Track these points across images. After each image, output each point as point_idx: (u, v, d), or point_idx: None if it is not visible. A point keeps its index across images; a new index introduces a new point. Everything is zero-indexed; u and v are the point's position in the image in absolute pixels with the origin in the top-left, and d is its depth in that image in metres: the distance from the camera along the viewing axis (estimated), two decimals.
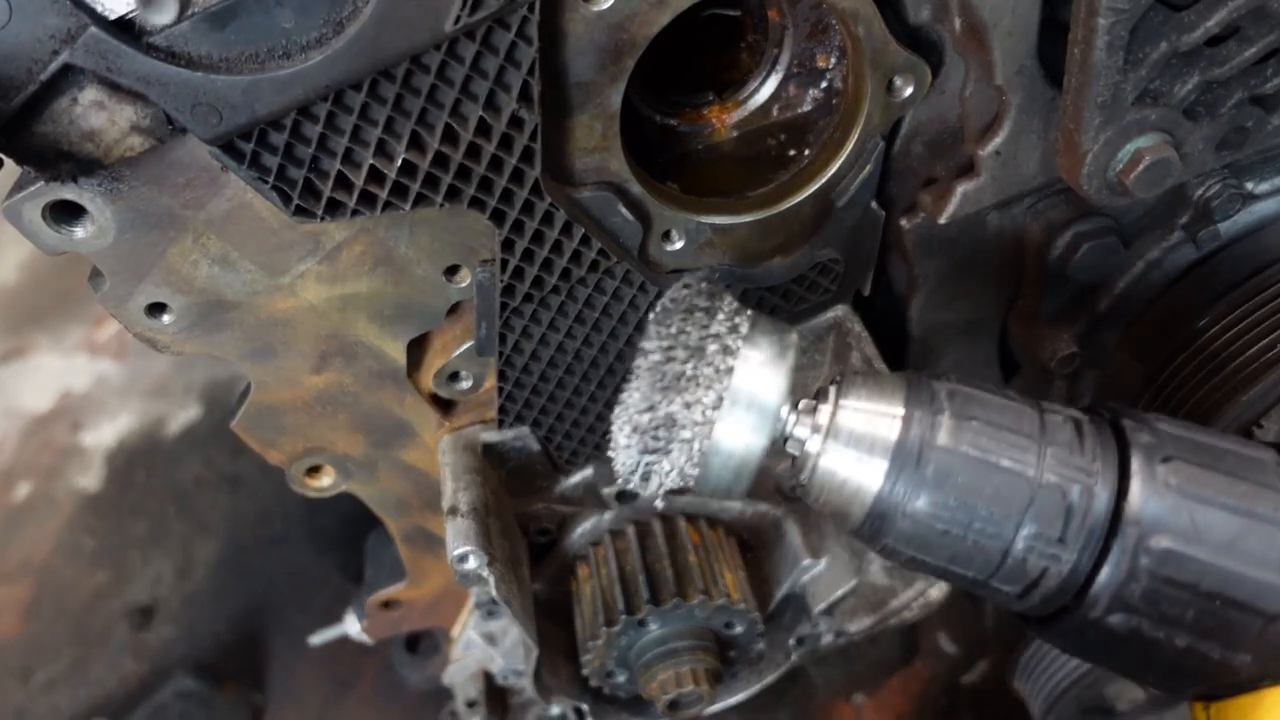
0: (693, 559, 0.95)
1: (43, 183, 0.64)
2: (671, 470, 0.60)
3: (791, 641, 1.04)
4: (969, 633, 1.53)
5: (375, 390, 0.87)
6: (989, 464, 0.52)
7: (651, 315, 0.62)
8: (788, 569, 1.02)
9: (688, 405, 0.58)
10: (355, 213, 0.69)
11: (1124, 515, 0.51)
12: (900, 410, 0.55)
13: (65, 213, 0.67)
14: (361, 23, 0.60)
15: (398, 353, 0.84)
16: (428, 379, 0.87)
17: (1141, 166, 0.69)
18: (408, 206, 0.70)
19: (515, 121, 0.68)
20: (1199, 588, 0.50)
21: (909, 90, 0.77)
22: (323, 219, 0.69)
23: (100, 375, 2.63)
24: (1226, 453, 0.53)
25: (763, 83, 0.88)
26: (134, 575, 2.06)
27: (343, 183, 0.68)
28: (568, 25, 0.66)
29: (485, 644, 1.13)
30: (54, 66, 0.58)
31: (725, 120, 0.90)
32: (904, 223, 0.83)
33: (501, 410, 0.89)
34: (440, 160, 0.68)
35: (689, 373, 0.59)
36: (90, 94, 0.61)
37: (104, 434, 2.45)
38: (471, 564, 0.81)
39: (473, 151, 0.68)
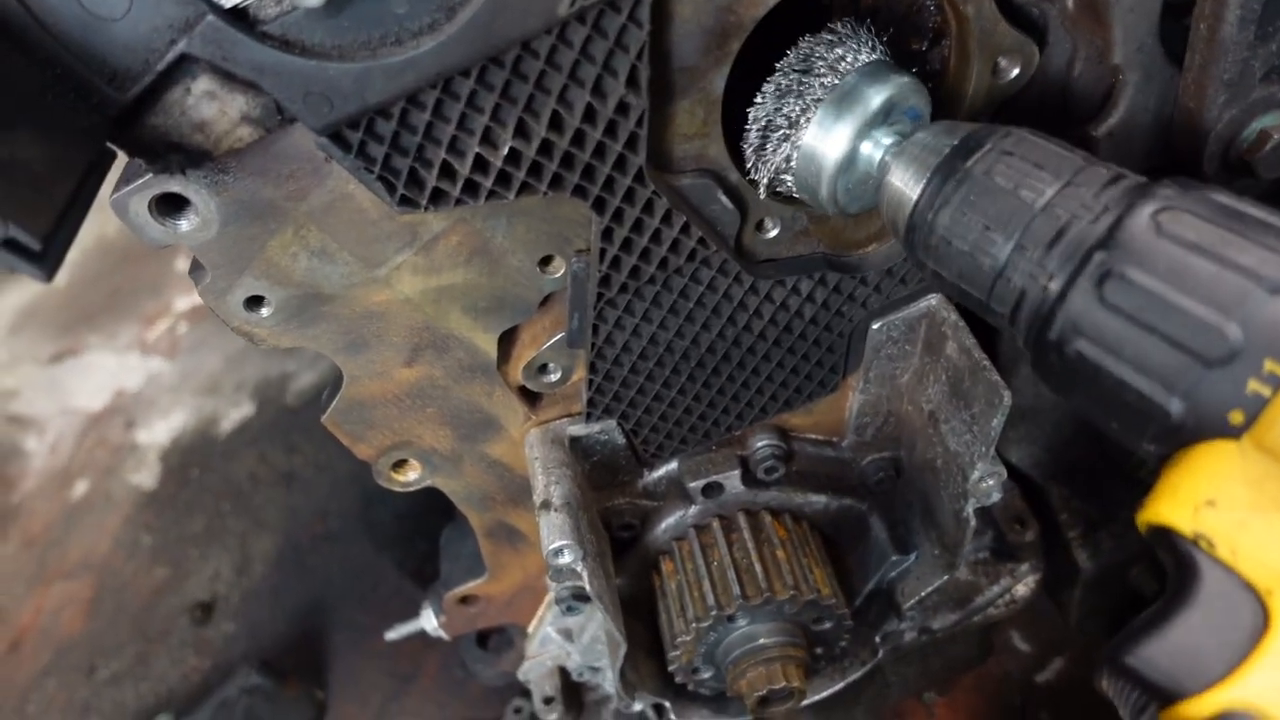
0: (780, 554, 0.93)
1: (150, 175, 0.64)
2: (771, 164, 0.73)
3: (877, 638, 1.02)
4: (1044, 631, 1.51)
5: (465, 383, 0.86)
6: (1006, 191, 0.56)
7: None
8: (875, 564, 1.00)
9: (785, 111, 0.71)
10: (459, 202, 0.68)
11: (1100, 249, 0.51)
12: (955, 142, 0.62)
13: (170, 205, 0.67)
14: (476, 7, 0.59)
15: (489, 345, 0.83)
16: (516, 371, 0.87)
17: (1269, 146, 0.66)
18: (512, 195, 0.69)
19: (622, 107, 0.66)
20: (1144, 319, 0.49)
21: (1015, 71, 0.75)
22: (426, 209, 0.68)
23: (153, 373, 2.66)
24: (1252, 218, 0.50)
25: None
26: (193, 571, 2.08)
27: (447, 172, 0.67)
28: (675, 7, 0.65)
29: (562, 640, 1.12)
30: (171, 56, 0.57)
31: None
32: None
33: (590, 403, 0.88)
34: (546, 148, 0.67)
35: (796, 87, 0.71)
36: (203, 84, 0.60)
37: (158, 431, 2.48)
38: (567, 558, 0.80)
39: (579, 138, 0.67)
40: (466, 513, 0.99)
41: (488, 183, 0.68)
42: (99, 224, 3.16)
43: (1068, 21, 0.72)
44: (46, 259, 0.50)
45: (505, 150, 0.66)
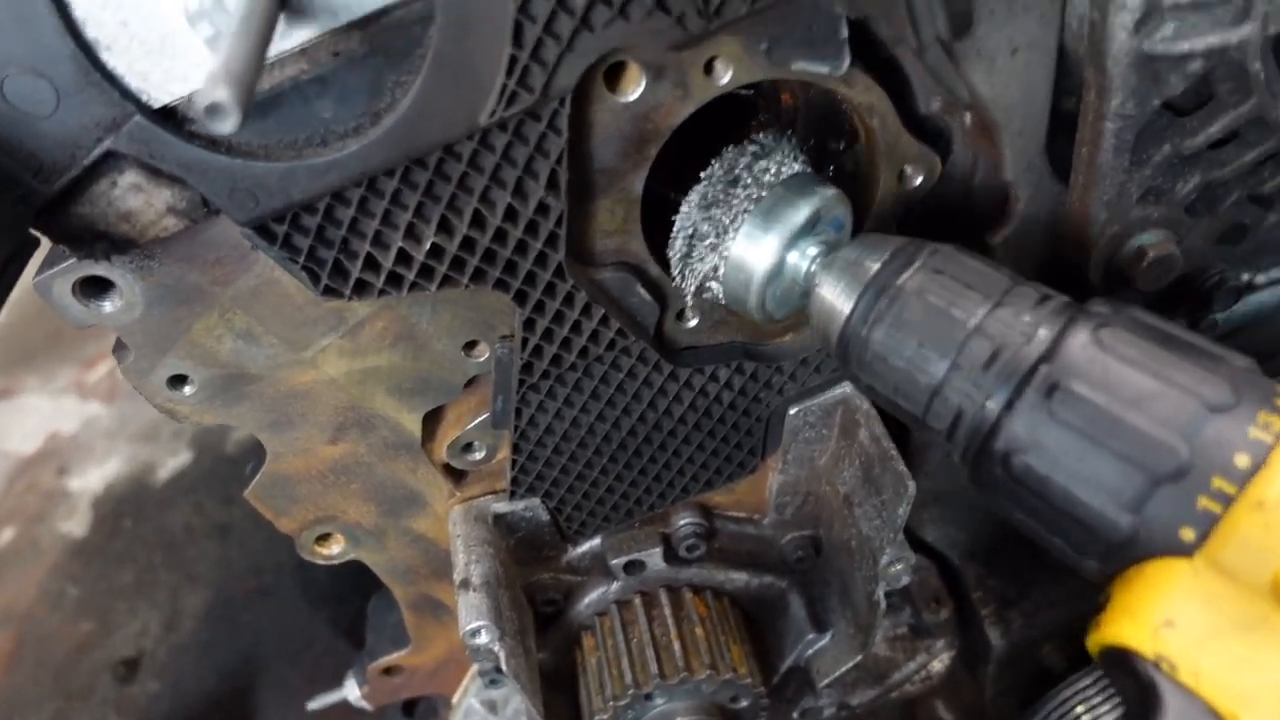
0: (699, 631, 0.95)
1: (74, 259, 0.65)
2: (698, 272, 0.75)
3: (795, 715, 1.04)
4: (966, 702, 1.53)
5: (389, 460, 0.87)
6: (939, 310, 0.58)
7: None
8: (792, 642, 1.02)
9: (712, 221, 0.74)
10: (382, 293, 0.70)
11: (1044, 363, 0.54)
12: (885, 257, 0.64)
13: (94, 287, 0.68)
14: (399, 114, 0.61)
15: (413, 424, 0.85)
16: (441, 449, 0.88)
17: (1146, 262, 0.71)
18: (434, 288, 0.71)
19: (542, 208, 0.69)
20: (1093, 433, 0.51)
21: (920, 178, 0.80)
22: (350, 298, 0.70)
23: (89, 418, 2.61)
24: (1181, 340, 0.52)
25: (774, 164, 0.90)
26: (119, 626, 2.03)
27: (371, 264, 0.69)
28: (595, 116, 0.68)
29: (486, 711, 1.12)
30: (97, 153, 0.59)
31: None
32: None
33: (514, 482, 0.90)
34: (468, 244, 0.70)
35: (722, 198, 0.74)
36: (129, 177, 0.62)
37: (91, 479, 2.42)
38: (484, 638, 0.81)
39: (500, 236, 0.70)
40: (391, 585, 0.99)
41: (411, 275, 0.70)
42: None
43: (967, 137, 0.77)
44: None
45: (428, 245, 0.69)
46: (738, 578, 1.01)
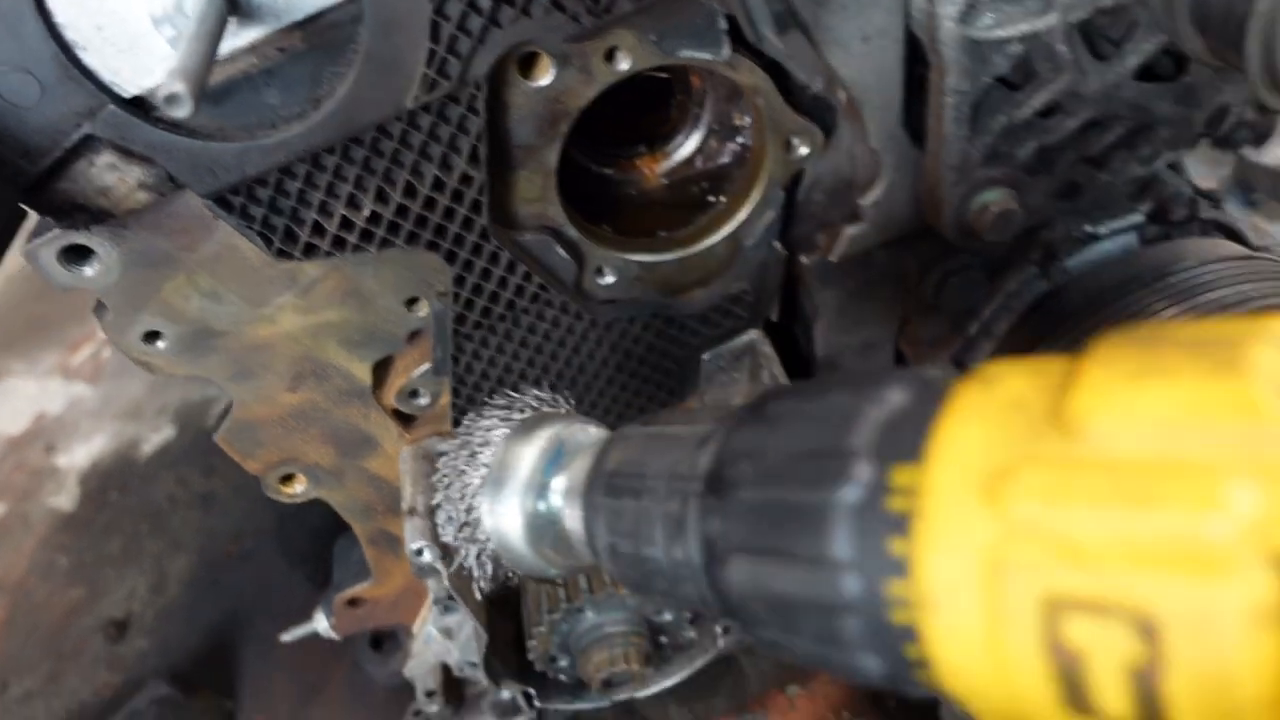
0: None
1: (59, 230, 0.76)
2: (471, 564, 0.67)
3: (718, 629, 1.16)
4: None
5: (344, 406, 0.98)
6: (628, 512, 0.52)
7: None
8: None
9: (445, 514, 0.67)
10: (328, 254, 0.81)
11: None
12: (587, 475, 0.58)
13: (76, 254, 0.78)
14: (336, 100, 0.72)
15: (364, 373, 0.96)
16: (390, 396, 0.99)
17: (990, 217, 0.83)
18: (374, 249, 0.82)
19: (465, 179, 0.80)
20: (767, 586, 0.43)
21: (804, 150, 0.91)
22: (300, 260, 0.81)
23: (74, 398, 2.70)
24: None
25: (687, 138, 1.01)
26: (108, 591, 2.13)
27: (318, 229, 0.80)
28: (512, 99, 0.79)
29: (443, 638, 1.23)
30: (77, 137, 0.70)
31: (655, 170, 1.03)
32: (804, 260, 0.96)
33: (455, 423, 1.01)
34: (401, 210, 0.81)
35: (462, 469, 0.66)
36: (105, 157, 0.73)
37: (78, 455, 2.52)
38: (427, 557, 0.92)
39: (429, 203, 0.81)
40: (351, 522, 1.11)
41: (353, 239, 0.81)
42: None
43: (843, 112, 0.88)
44: None
45: (367, 212, 0.80)
46: None
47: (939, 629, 0.35)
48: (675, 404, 1.08)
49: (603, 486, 0.55)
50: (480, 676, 1.26)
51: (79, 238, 0.76)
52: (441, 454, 0.69)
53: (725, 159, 1.01)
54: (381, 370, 0.98)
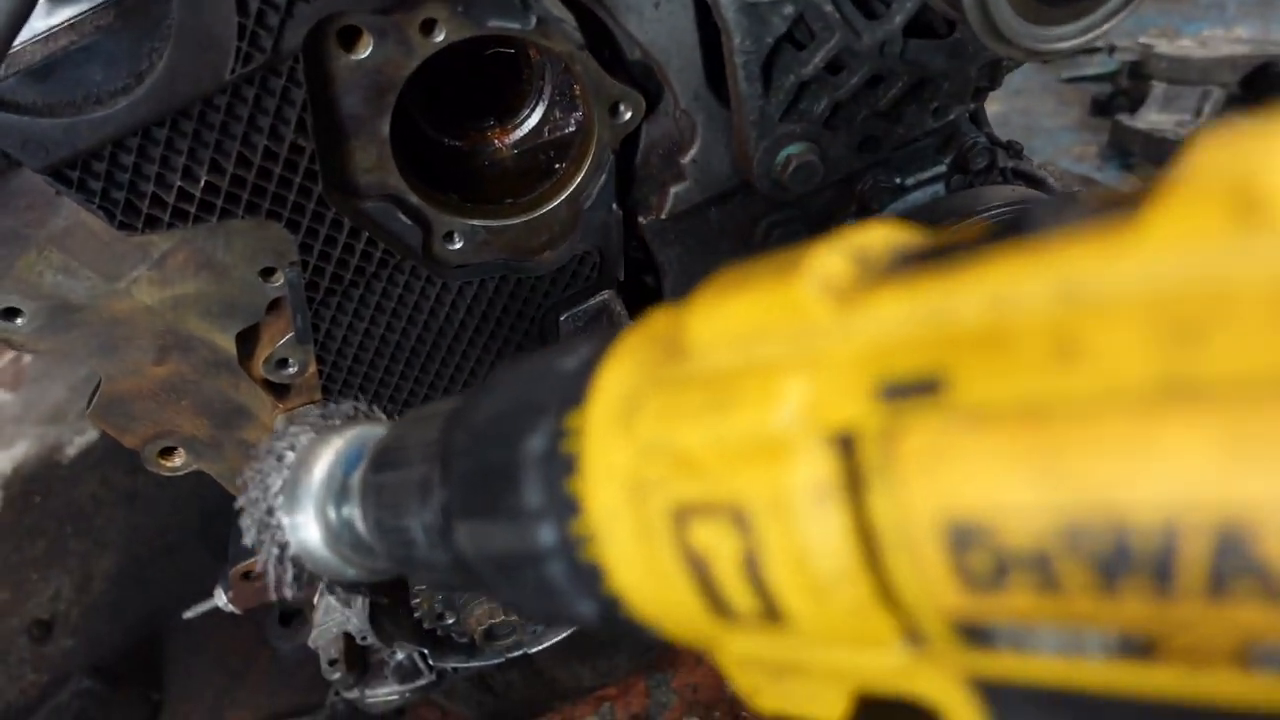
0: None
1: None
2: (271, 567, 0.64)
3: None
4: None
5: (212, 378, 1.03)
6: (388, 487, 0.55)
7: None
8: None
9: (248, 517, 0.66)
10: (170, 225, 0.86)
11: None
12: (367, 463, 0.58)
13: None
14: (156, 75, 0.77)
15: (228, 344, 1.00)
16: (259, 366, 1.04)
17: (791, 168, 0.90)
18: (214, 219, 0.87)
19: (296, 148, 0.85)
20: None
21: (629, 114, 0.97)
22: (143, 231, 0.85)
23: None
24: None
25: (532, 109, 1.07)
26: (33, 593, 2.14)
27: (157, 201, 0.84)
28: (335, 71, 0.84)
29: (342, 606, 1.28)
30: None
31: (505, 140, 1.09)
32: (641, 220, 1.02)
33: (324, 390, 1.06)
34: (237, 181, 0.85)
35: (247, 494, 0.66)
36: None
37: (0, 461, 2.52)
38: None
39: (264, 174, 0.86)
40: (236, 494, 1.15)
41: (193, 210, 0.86)
42: None
43: (659, 75, 0.94)
44: None
45: (203, 183, 0.84)
46: None
47: (610, 558, 0.37)
48: None
49: (373, 465, 0.56)
50: (381, 644, 1.31)
51: None
52: (253, 459, 0.67)
53: (570, 128, 1.07)
54: (248, 340, 1.02)
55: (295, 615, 1.51)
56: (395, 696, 1.35)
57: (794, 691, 0.39)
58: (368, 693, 1.35)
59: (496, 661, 1.27)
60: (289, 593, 0.65)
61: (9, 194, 0.83)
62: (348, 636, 1.34)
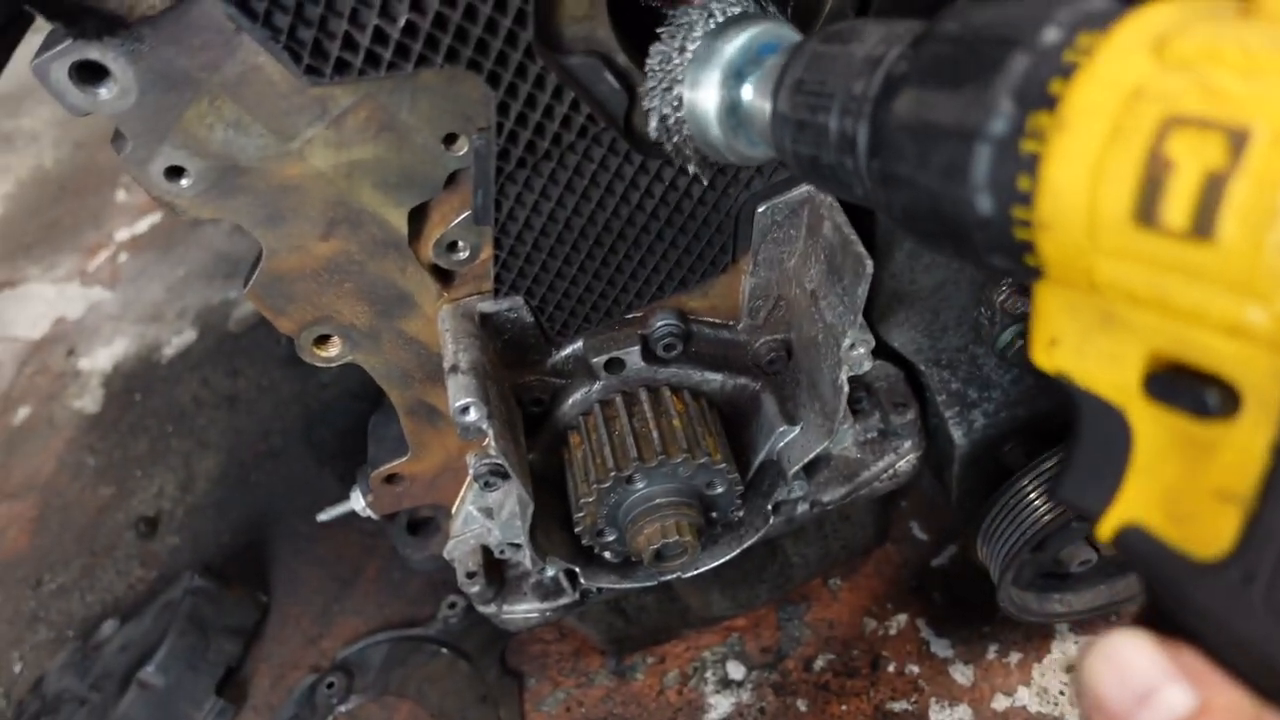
0: (676, 423, 1.02)
1: (69, 41, 0.69)
2: (659, 111, 0.79)
3: (769, 507, 1.12)
4: (939, 522, 1.63)
5: (379, 259, 0.92)
6: (829, 57, 0.60)
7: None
8: (765, 437, 1.09)
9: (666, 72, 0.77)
10: (361, 72, 0.74)
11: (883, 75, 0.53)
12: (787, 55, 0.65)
13: (90, 74, 0.72)
14: None
15: (399, 221, 0.90)
16: (427, 249, 0.93)
17: None
18: (410, 66, 0.75)
19: None
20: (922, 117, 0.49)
21: None
22: (331, 78, 0.74)
23: (94, 303, 2.67)
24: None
25: None
26: (137, 490, 2.12)
27: (349, 43, 0.73)
28: None
29: (483, 517, 1.20)
30: None
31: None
32: None
33: (497, 279, 0.95)
34: (440, 21, 0.73)
35: (677, 50, 0.76)
36: None
37: (100, 358, 2.50)
38: (473, 415, 0.87)
39: (470, 13, 0.73)
40: (388, 390, 1.06)
41: (387, 54, 0.74)
42: (36, 156, 3.13)
43: None
44: None
45: (402, 23, 0.72)
46: (713, 379, 1.08)
47: (1056, 149, 0.40)
48: (727, 262, 1.01)
49: (821, 38, 0.61)
50: (522, 557, 1.23)
51: (92, 51, 0.70)
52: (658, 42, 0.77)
53: None
54: (418, 220, 0.91)
55: (425, 524, 1.44)
56: (535, 615, 1.28)
57: (1098, 348, 0.44)
58: (505, 608, 1.28)
59: (649, 584, 1.18)
60: (691, 165, 0.82)
61: (183, 28, 0.72)
62: (486, 550, 1.26)
